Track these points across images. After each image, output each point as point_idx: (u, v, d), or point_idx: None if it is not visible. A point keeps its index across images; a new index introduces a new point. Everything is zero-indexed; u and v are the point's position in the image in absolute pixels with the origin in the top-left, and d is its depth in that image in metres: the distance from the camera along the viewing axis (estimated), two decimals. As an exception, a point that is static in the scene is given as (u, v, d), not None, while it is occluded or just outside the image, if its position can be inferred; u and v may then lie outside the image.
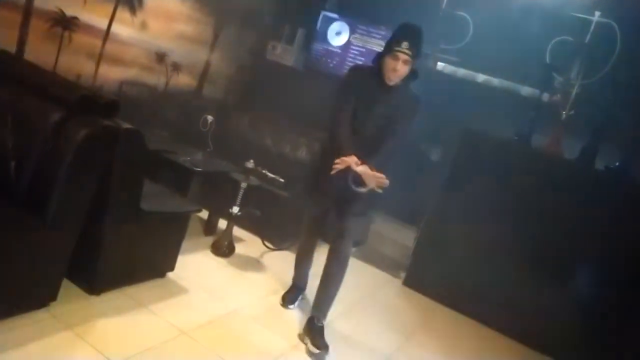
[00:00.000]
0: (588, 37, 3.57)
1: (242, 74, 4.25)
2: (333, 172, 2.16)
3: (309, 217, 2.66)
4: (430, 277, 3.53)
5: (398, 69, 2.15)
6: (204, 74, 3.83)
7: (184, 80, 3.66)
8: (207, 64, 3.82)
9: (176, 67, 3.52)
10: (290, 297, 2.73)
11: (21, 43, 2.51)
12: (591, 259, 3.11)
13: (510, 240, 3.28)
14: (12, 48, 2.47)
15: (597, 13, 3.56)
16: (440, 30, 4.05)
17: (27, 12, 2.48)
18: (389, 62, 2.17)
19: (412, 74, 2.25)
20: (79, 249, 1.98)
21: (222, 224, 3.34)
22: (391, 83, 2.22)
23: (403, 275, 3.68)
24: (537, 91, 3.55)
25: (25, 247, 1.79)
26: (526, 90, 3.90)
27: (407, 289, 3.58)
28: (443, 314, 3.41)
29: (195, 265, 2.83)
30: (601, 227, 3.04)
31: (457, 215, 3.45)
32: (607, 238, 3.02)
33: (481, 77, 4.15)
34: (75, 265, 2.00)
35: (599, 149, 3.19)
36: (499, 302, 3.30)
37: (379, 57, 2.23)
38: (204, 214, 3.27)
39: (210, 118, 3.51)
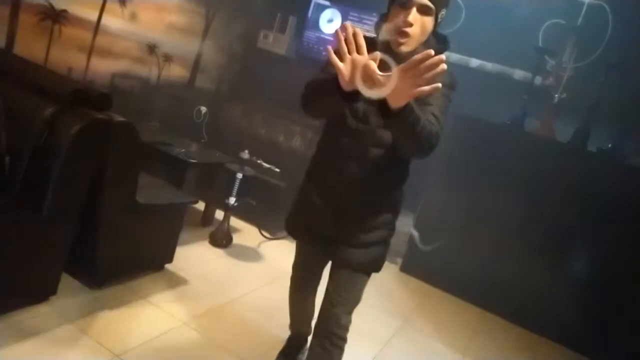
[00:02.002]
0: (580, 19, 3.57)
1: (234, 63, 4.23)
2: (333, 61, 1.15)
3: (297, 276, 1.85)
4: (426, 262, 3.57)
5: (411, 21, 1.31)
6: (196, 65, 3.81)
7: (176, 72, 3.64)
8: (199, 55, 3.80)
9: (168, 59, 3.50)
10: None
11: (11, 38, 2.48)
12: (585, 240, 3.14)
13: (504, 223, 3.33)
14: (1, 43, 2.44)
15: (589, -5, 3.56)
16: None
17: (16, 6, 2.46)
18: (396, 15, 1.35)
19: (438, 38, 1.45)
20: (77, 243, 1.99)
21: (219, 214, 3.35)
22: (404, 49, 1.34)
23: (400, 261, 3.72)
24: (529, 75, 3.55)
25: (23, 241, 1.80)
26: (519, 74, 3.89)
27: (404, 275, 3.61)
28: (440, 298, 3.45)
29: (193, 256, 2.85)
30: (596, 209, 3.08)
31: (451, 200, 3.48)
32: (602, 219, 3.06)
33: (474, 62, 4.14)
34: (74, 259, 2.01)
35: (591, 131, 3.21)
36: (494, 285, 3.35)
37: (383, 19, 1.44)
38: (201, 205, 3.28)
39: (203, 109, 3.50)
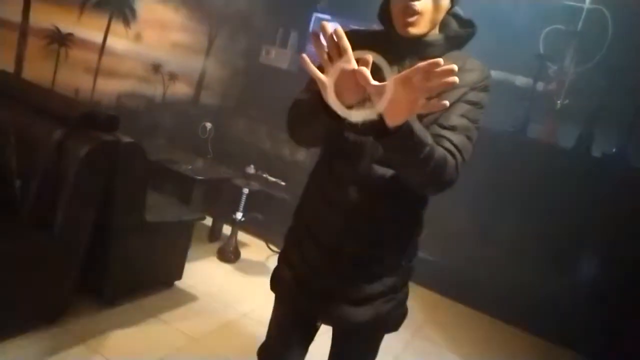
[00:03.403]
0: (580, 24, 3.59)
1: (238, 79, 4.27)
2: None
3: (271, 350, 1.34)
4: (436, 272, 3.56)
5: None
6: (200, 82, 3.86)
7: (180, 89, 3.68)
8: (203, 72, 3.85)
9: (172, 77, 3.55)
10: None
11: (19, 62, 2.53)
12: (592, 245, 3.13)
13: (511, 230, 3.32)
14: (10, 67, 2.49)
15: (588, 0, 3.58)
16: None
17: (24, 31, 2.51)
18: None
19: (460, 21, 1.13)
20: (87, 263, 2.01)
21: (227, 229, 3.37)
22: (413, 30, 1.03)
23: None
24: (531, 80, 3.57)
25: (34, 262, 1.83)
26: (521, 81, 3.91)
27: (413, 285, 3.58)
28: (449, 307, 3.44)
29: (202, 272, 2.86)
30: (601, 213, 3.07)
31: (457, 208, 3.48)
32: (608, 224, 3.05)
33: (476, 70, 4.19)
34: (84, 279, 2.03)
35: (594, 136, 3.22)
36: (503, 293, 3.33)
37: (386, 4, 1.11)
38: (208, 221, 3.30)
39: (208, 125, 3.54)
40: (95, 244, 2.02)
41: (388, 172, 1.08)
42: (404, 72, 0.80)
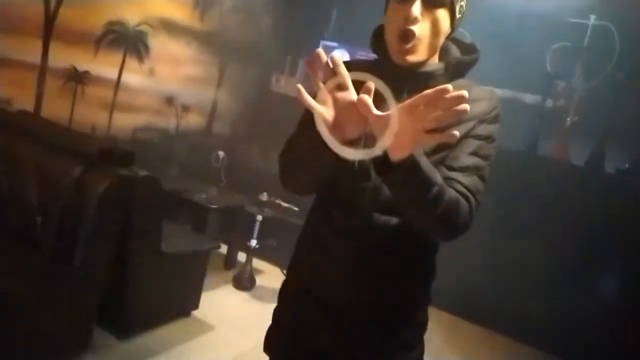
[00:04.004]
0: (586, 40, 3.61)
1: (249, 108, 4.35)
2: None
3: None
4: (453, 293, 3.52)
5: (416, 14, 0.89)
6: (212, 112, 3.94)
7: (193, 120, 3.76)
8: (215, 102, 3.93)
9: (185, 109, 3.63)
10: None
11: (38, 101, 2.63)
12: (609, 262, 3.08)
13: (529, 251, 3.28)
14: (30, 107, 2.58)
15: (592, 16, 3.60)
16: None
17: (42, 71, 2.61)
18: (395, 14, 0.93)
19: (462, 46, 1.03)
20: (106, 296, 2.04)
21: (242, 256, 3.39)
22: (410, 59, 0.92)
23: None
24: (540, 98, 3.58)
25: (54, 297, 1.86)
26: (530, 98, 3.92)
27: (430, 308, 3.55)
28: (470, 330, 3.38)
29: (218, 301, 2.87)
30: (618, 230, 3.03)
31: (471, 229, 3.46)
32: (624, 239, 3.01)
33: (484, 89, 4.22)
34: (103, 312, 2.06)
35: (606, 152, 3.20)
36: (525, 314, 3.27)
37: (379, 32, 1.01)
38: (223, 248, 3.32)
39: (221, 154, 3.60)
40: (113, 275, 2.06)
41: (391, 220, 0.97)
42: (409, 101, 0.72)
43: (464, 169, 0.93)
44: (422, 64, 0.95)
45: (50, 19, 2.57)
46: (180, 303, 2.54)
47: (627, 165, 3.16)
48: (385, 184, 0.87)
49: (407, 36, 0.90)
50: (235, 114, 4.22)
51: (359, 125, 0.80)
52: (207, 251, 2.62)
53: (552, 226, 3.22)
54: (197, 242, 2.65)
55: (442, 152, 0.93)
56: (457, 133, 0.71)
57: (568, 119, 3.42)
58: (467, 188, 0.91)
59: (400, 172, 0.80)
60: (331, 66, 0.78)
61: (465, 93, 0.67)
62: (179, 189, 3.16)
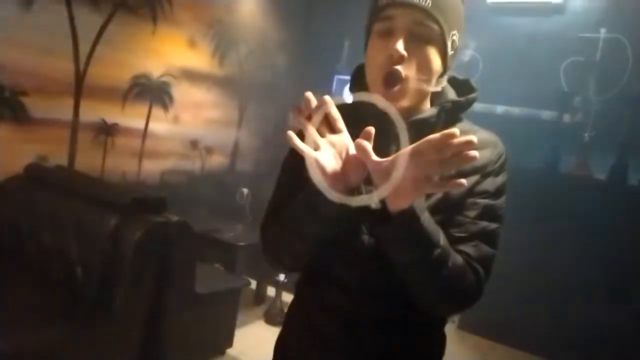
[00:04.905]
0: (598, 54, 3.63)
1: (269, 144, 4.47)
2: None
3: None
4: (485, 317, 3.48)
5: (402, 50, 0.77)
6: (234, 151, 4.07)
7: (217, 160, 3.89)
8: (236, 142, 4.07)
9: (209, 150, 3.77)
10: None
11: (72, 155, 2.78)
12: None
13: (559, 269, 3.24)
14: (64, 161, 2.74)
15: (603, 30, 3.63)
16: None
17: (74, 127, 2.77)
18: (374, 53, 0.82)
19: (457, 84, 0.93)
20: (144, 338, 2.11)
21: (271, 291, 3.44)
22: (399, 103, 0.80)
23: (457, 318, 3.64)
24: (557, 113, 3.59)
25: (96, 343, 1.93)
26: (547, 115, 3.93)
27: (462, 333, 3.52)
28: (505, 354, 3.32)
29: (251, 337, 2.91)
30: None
31: (501, 251, 3.44)
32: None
33: (500, 109, 4.22)
34: (142, 354, 2.12)
35: (628, 164, 3.18)
36: (560, 334, 3.21)
37: (359, 73, 0.91)
38: (252, 284, 3.38)
39: (245, 190, 3.70)
40: (150, 319, 2.13)
41: (391, 277, 0.82)
42: (413, 146, 0.65)
43: (469, 239, 0.81)
44: (411, 110, 0.83)
45: (80, 78, 2.75)
46: (215, 342, 2.59)
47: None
48: (378, 240, 0.76)
49: (392, 79, 0.78)
50: (256, 152, 4.34)
51: (358, 171, 0.72)
52: (238, 289, 2.68)
53: (580, 242, 3.18)
54: (228, 280, 2.72)
55: (443, 216, 0.79)
56: (464, 182, 0.64)
57: (586, 134, 3.42)
58: (475, 260, 0.80)
59: (398, 224, 0.71)
60: (313, 107, 0.71)
61: (474, 138, 0.61)
62: (207, 229, 3.25)
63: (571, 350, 3.19)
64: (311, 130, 0.72)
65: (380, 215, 0.73)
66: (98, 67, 2.81)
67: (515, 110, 4.15)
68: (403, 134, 0.68)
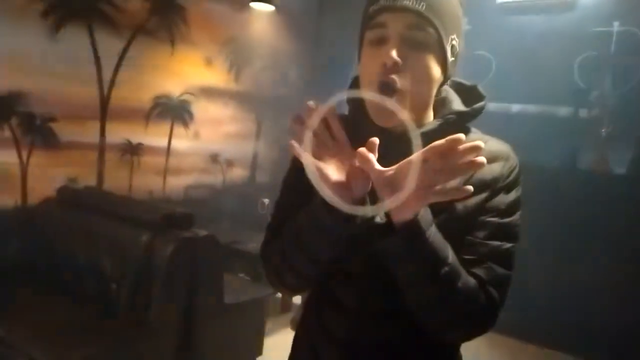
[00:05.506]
0: (612, 48, 3.61)
1: (286, 155, 4.54)
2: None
3: None
4: (513, 316, 3.47)
5: (391, 62, 0.72)
6: (254, 163, 4.16)
7: (237, 173, 3.99)
8: (255, 154, 4.16)
9: (229, 163, 3.87)
10: None
11: (100, 176, 2.90)
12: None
13: (584, 268, 3.22)
14: (93, 182, 2.85)
15: (616, 23, 3.62)
16: (462, 73, 4.19)
17: (102, 148, 2.89)
18: (368, 63, 0.78)
19: (461, 90, 0.86)
20: (177, 351, 2.18)
21: (296, 298, 3.49)
22: (391, 122, 0.75)
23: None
24: (573, 109, 3.58)
25: (132, 357, 2.01)
26: (563, 111, 3.92)
27: (491, 334, 3.49)
28: (536, 355, 3.31)
29: (280, 345, 2.96)
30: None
31: (524, 251, 3.43)
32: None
33: (515, 107, 4.21)
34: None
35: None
36: (591, 331, 3.19)
37: (355, 86, 0.84)
38: (278, 292, 3.44)
39: (266, 201, 3.78)
40: (182, 330, 2.20)
41: (392, 316, 0.80)
42: (419, 153, 0.62)
43: (480, 261, 0.74)
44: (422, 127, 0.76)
45: (104, 102, 2.87)
46: (244, 351, 2.66)
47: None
48: (382, 256, 0.70)
49: (386, 89, 0.72)
50: (274, 163, 4.42)
51: (362, 183, 0.68)
52: (264, 298, 2.75)
53: (603, 239, 3.17)
54: (254, 290, 2.78)
55: (450, 233, 0.72)
56: (470, 188, 0.61)
57: (603, 130, 3.40)
58: (488, 283, 0.74)
59: (401, 237, 0.66)
60: (315, 115, 0.68)
61: (481, 144, 0.58)
62: (230, 240, 3.33)
63: (602, 349, 3.17)
64: (309, 139, 0.68)
65: (383, 229, 0.69)
66: (121, 90, 2.93)
67: (531, 109, 4.14)
68: (416, 138, 0.62)
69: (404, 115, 0.64)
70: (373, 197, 0.69)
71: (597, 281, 3.19)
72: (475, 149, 0.58)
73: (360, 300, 0.81)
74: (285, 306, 3.55)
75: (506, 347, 3.32)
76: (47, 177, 2.62)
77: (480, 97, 0.83)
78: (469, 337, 0.78)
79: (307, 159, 0.67)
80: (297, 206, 0.78)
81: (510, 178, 0.79)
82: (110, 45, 2.84)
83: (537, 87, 3.90)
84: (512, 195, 0.79)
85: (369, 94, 0.72)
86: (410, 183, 0.61)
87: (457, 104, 0.82)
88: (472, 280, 0.72)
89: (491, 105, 4.25)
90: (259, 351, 2.70)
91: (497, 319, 0.76)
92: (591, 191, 3.25)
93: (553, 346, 3.36)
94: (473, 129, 0.85)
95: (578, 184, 3.32)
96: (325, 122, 0.70)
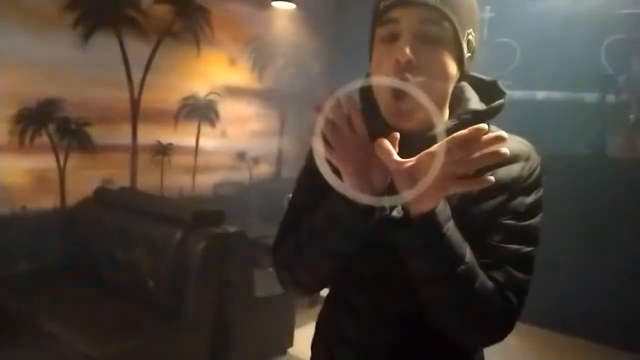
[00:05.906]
0: (641, 30, 3.53)
1: (310, 151, 4.61)
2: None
3: None
4: (540, 305, 3.46)
5: (404, 59, 0.68)
6: (279, 159, 4.24)
7: (263, 169, 4.07)
8: (280, 150, 4.23)
9: (256, 160, 3.96)
10: None
11: (133, 176, 3.02)
12: None
13: (615, 256, 3.18)
14: (127, 182, 2.97)
15: (643, 5, 3.53)
16: (486, 61, 4.13)
17: (134, 150, 3.00)
18: (380, 61, 0.74)
19: (480, 86, 0.81)
20: (211, 343, 2.27)
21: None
22: (406, 122, 0.73)
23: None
24: (600, 95, 3.51)
25: (169, 349, 2.11)
26: (590, 97, 3.84)
27: (519, 324, 3.49)
28: (564, 343, 3.29)
29: (310, 337, 3.03)
30: None
31: (548, 237, 3.40)
32: None
33: (541, 95, 4.15)
34: (210, 358, 2.29)
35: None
36: (619, 319, 3.15)
37: (366, 89, 0.79)
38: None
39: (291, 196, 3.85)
40: (216, 322, 2.29)
41: (410, 322, 0.79)
42: (442, 142, 0.60)
43: (498, 265, 0.72)
44: (427, 122, 0.71)
45: (135, 104, 2.98)
46: (276, 343, 2.74)
47: None
48: (400, 248, 0.68)
49: (402, 93, 0.69)
50: (299, 158, 4.49)
51: (382, 175, 0.68)
52: (293, 291, 2.82)
53: (633, 225, 3.12)
54: (284, 283, 2.86)
55: (467, 236, 0.69)
56: (491, 178, 0.59)
57: (632, 115, 3.34)
58: (505, 287, 0.71)
59: (418, 230, 0.65)
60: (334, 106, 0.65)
61: (504, 134, 0.57)
62: (259, 236, 3.41)
63: (630, 335, 3.14)
64: (321, 124, 0.65)
65: (400, 223, 0.68)
66: (150, 92, 3.03)
67: (557, 95, 4.07)
68: (440, 135, 0.61)
69: (424, 100, 0.63)
70: (392, 194, 0.68)
71: (627, 270, 3.14)
72: (499, 139, 0.56)
73: (374, 303, 0.80)
74: (312, 300, 3.62)
75: (537, 336, 3.31)
76: (84, 179, 2.75)
77: (500, 94, 0.79)
78: (484, 343, 0.76)
79: (318, 149, 0.65)
80: (310, 205, 0.77)
81: (531, 180, 0.76)
82: (138, 49, 2.94)
83: (563, 73, 3.83)
84: (532, 198, 0.76)
85: (387, 80, 0.69)
86: (432, 173, 0.59)
87: (475, 102, 0.78)
88: (489, 283, 0.69)
89: (516, 93, 4.24)
90: (290, 342, 2.78)
91: (514, 326, 0.73)
92: (620, 177, 3.19)
93: (585, 336, 3.33)
94: (492, 127, 0.78)
95: (606, 171, 3.27)
96: (346, 115, 0.66)
